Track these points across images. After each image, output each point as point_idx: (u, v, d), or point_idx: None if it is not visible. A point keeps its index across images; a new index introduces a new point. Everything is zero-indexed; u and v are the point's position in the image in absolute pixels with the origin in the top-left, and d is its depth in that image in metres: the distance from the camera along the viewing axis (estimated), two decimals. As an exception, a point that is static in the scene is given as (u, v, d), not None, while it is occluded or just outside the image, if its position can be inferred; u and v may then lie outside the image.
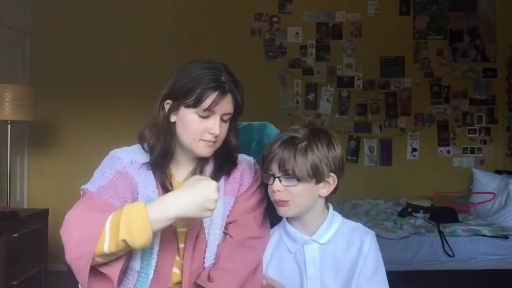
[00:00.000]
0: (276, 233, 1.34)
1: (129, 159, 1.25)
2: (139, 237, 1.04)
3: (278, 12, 4.38)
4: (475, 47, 4.41)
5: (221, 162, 1.29)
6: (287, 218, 1.32)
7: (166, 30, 4.26)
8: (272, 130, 1.52)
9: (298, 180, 1.20)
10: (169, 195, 1.11)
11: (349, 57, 4.40)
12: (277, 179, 1.22)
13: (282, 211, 1.26)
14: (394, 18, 4.39)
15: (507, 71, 4.32)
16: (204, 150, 1.23)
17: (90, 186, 1.21)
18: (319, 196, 1.26)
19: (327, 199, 1.31)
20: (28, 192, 4.16)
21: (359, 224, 1.32)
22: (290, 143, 1.22)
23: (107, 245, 1.04)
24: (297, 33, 4.38)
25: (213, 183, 1.10)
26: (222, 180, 1.29)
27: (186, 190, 1.09)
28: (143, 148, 1.29)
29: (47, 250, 3.10)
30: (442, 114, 4.39)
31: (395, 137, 4.38)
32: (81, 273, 1.05)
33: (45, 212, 3.07)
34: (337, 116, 4.38)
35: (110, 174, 1.21)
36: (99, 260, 1.07)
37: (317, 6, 4.38)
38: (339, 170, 1.26)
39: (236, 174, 1.30)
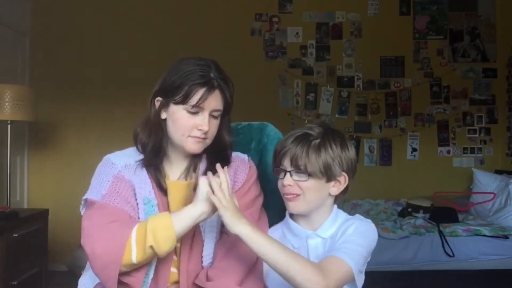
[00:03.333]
0: (279, 230, 1.35)
1: (123, 163, 1.27)
2: (164, 243, 1.10)
3: (278, 12, 4.38)
4: (475, 47, 4.40)
5: (214, 160, 1.29)
6: (291, 215, 1.32)
7: (166, 30, 4.25)
8: (272, 130, 1.52)
9: (309, 175, 1.22)
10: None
11: (349, 57, 4.40)
12: (288, 174, 1.24)
13: (291, 206, 1.27)
14: (394, 18, 4.39)
15: (507, 71, 4.32)
16: (194, 146, 1.23)
17: (93, 195, 1.22)
18: (329, 194, 1.28)
19: (336, 200, 1.31)
20: (28, 192, 4.15)
21: (358, 215, 1.32)
22: (304, 139, 1.24)
23: (134, 255, 1.09)
24: (297, 33, 4.38)
25: (201, 179, 1.18)
26: None
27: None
28: (138, 149, 1.29)
29: (47, 250, 3.10)
30: (442, 114, 4.39)
31: (395, 137, 4.38)
32: (110, 282, 1.10)
33: (45, 212, 3.08)
34: (337, 116, 4.38)
35: (108, 180, 1.23)
36: (124, 269, 1.11)
37: (317, 6, 4.38)
38: (351, 171, 1.28)
39: (229, 172, 1.29)
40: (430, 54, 4.39)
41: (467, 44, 4.40)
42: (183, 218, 1.13)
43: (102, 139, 4.06)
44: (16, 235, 2.61)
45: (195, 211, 1.14)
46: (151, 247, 1.09)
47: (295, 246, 1.29)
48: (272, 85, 4.35)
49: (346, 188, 1.29)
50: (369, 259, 1.26)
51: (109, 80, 4.22)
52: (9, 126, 3.00)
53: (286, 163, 1.25)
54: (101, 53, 4.23)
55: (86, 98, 4.20)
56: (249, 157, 1.38)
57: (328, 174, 1.24)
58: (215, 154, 1.30)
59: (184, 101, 1.20)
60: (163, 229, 1.10)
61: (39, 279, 2.95)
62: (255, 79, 4.24)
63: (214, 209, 1.15)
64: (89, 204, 1.22)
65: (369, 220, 1.29)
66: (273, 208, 1.38)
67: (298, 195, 1.24)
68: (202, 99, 1.19)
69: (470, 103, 4.38)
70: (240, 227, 1.13)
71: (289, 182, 1.24)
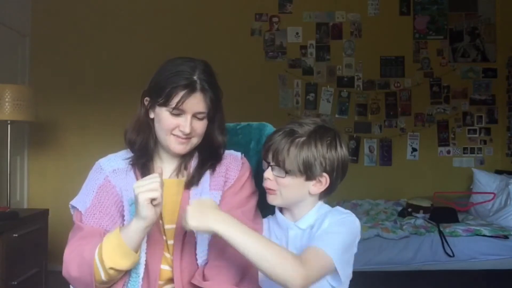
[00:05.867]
0: (266, 224, 1.35)
1: (111, 168, 1.29)
2: (122, 261, 1.13)
3: (278, 12, 4.38)
4: (475, 47, 4.40)
5: (205, 157, 1.30)
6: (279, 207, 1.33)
7: (166, 30, 4.26)
8: (271, 130, 1.51)
9: (286, 173, 1.22)
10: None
11: (349, 57, 4.40)
12: (270, 168, 1.25)
13: (269, 198, 1.28)
14: (394, 18, 4.39)
15: (507, 71, 4.32)
16: (177, 146, 1.24)
17: (78, 204, 1.27)
18: (309, 192, 1.26)
19: (321, 197, 1.29)
20: (28, 192, 4.16)
21: (338, 207, 1.30)
22: (289, 135, 1.24)
23: (103, 275, 1.13)
24: (297, 33, 4.38)
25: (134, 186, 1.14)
26: (207, 174, 1.29)
27: None
28: (130, 151, 1.31)
29: (47, 250, 3.10)
30: (442, 114, 4.39)
31: (395, 137, 4.38)
32: None
33: (45, 212, 3.08)
34: (337, 116, 4.38)
35: (93, 191, 1.26)
36: (103, 286, 1.17)
37: (317, 6, 4.38)
38: (335, 171, 1.25)
39: (221, 169, 1.30)
40: (430, 54, 4.39)
41: (467, 44, 4.41)
42: (130, 232, 1.13)
43: (102, 139, 4.06)
44: (16, 235, 2.61)
45: (139, 225, 1.12)
46: (112, 268, 1.12)
47: (277, 237, 1.29)
48: (272, 85, 4.35)
49: (330, 188, 1.27)
50: (355, 251, 1.24)
51: (109, 80, 4.22)
52: (9, 126, 3.00)
53: (270, 157, 1.25)
54: (101, 53, 4.23)
55: (86, 98, 4.20)
56: (243, 154, 1.37)
57: (307, 173, 1.22)
58: (207, 152, 1.30)
59: (165, 103, 1.20)
60: (116, 248, 1.12)
61: (39, 279, 2.94)
62: (255, 79, 4.25)
63: (156, 215, 1.13)
64: (75, 216, 1.27)
65: (349, 211, 1.26)
66: (271, 208, 1.37)
67: (275, 190, 1.25)
68: (181, 101, 1.18)
69: (470, 103, 4.38)
70: (215, 225, 1.09)
71: (268, 176, 1.25)
